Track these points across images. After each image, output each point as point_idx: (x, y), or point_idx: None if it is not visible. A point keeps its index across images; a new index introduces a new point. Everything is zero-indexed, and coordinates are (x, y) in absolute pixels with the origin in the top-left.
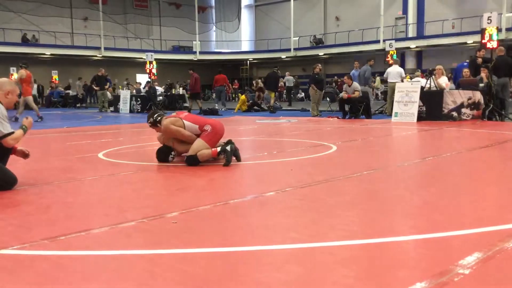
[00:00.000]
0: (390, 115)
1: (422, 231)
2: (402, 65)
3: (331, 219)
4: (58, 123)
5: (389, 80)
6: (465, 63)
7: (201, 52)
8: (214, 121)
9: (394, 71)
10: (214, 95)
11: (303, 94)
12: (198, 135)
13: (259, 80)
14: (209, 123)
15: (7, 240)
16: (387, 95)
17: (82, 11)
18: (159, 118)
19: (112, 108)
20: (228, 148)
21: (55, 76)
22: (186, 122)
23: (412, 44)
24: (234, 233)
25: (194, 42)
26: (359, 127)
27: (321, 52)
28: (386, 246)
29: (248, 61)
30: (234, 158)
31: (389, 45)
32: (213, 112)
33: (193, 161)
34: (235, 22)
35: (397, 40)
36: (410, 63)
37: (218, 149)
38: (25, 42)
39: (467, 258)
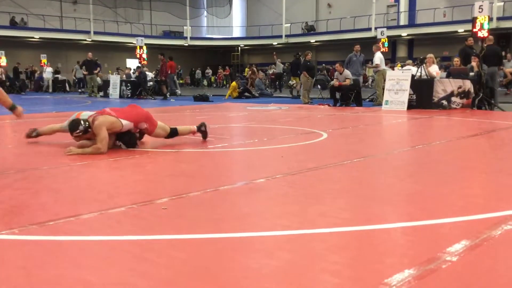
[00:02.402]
0: (380, 103)
1: (411, 218)
2: (393, 53)
3: (321, 206)
4: (47, 107)
5: (382, 67)
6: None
7: (192, 38)
8: (146, 115)
9: (382, 57)
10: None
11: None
12: (112, 137)
13: (254, 67)
14: (143, 121)
15: None
16: (377, 83)
17: None
18: (87, 123)
19: (101, 93)
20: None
21: (44, 60)
22: (123, 122)
23: (404, 32)
24: (224, 220)
25: (185, 27)
26: (350, 115)
27: (312, 39)
28: (375, 233)
29: (239, 47)
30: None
31: (381, 33)
32: (204, 99)
33: (175, 135)
34: (226, 8)
35: (388, 28)
36: (402, 51)
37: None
38: (13, 25)
39: (455, 245)
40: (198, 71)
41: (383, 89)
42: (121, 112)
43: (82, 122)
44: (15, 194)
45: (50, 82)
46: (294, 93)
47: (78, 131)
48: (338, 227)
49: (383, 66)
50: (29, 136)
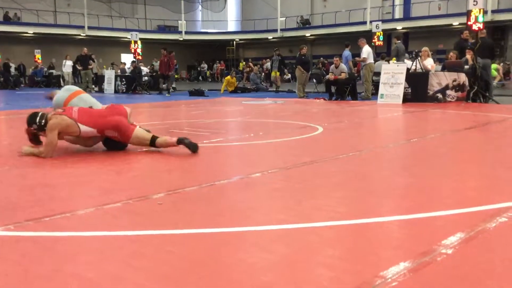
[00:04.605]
0: (369, 97)
1: (406, 211)
2: (388, 46)
3: (317, 200)
4: (41, 103)
5: (369, 61)
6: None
7: (186, 32)
8: (115, 123)
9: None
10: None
11: (289, 76)
12: (96, 137)
13: (250, 63)
14: (111, 128)
15: None
16: (366, 76)
17: None
18: (43, 121)
19: (96, 88)
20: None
21: (38, 55)
22: (82, 127)
23: (399, 26)
24: (220, 214)
25: (179, 21)
26: (346, 109)
27: (308, 33)
28: (371, 226)
29: (234, 42)
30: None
31: (376, 26)
32: (200, 93)
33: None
34: (221, 2)
35: (383, 21)
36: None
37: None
38: (7, 20)
39: (450, 238)
40: (203, 65)
41: (373, 83)
42: (88, 116)
43: (39, 118)
44: (10, 191)
45: (70, 76)
46: (274, 87)
47: (32, 127)
48: (333, 220)
49: (370, 60)
50: None
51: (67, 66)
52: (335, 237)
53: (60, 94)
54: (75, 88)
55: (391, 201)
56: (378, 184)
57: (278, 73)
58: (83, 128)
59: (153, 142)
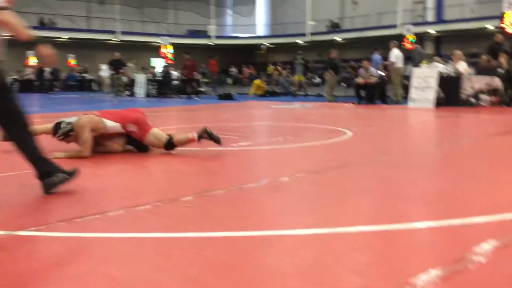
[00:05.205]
0: (399, 101)
1: (437, 217)
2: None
3: (345, 205)
4: (75, 106)
5: (399, 65)
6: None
7: (216, 37)
8: (135, 117)
9: (401, 55)
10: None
11: (318, 80)
12: (121, 134)
13: (279, 67)
14: (131, 122)
15: (24, 221)
16: (394, 80)
17: None
18: (69, 126)
19: (128, 93)
20: (206, 131)
21: (73, 60)
22: (108, 123)
23: (431, 29)
24: (247, 218)
25: (209, 26)
26: (375, 113)
27: (337, 37)
28: (400, 232)
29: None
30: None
31: (407, 29)
32: (228, 97)
33: (172, 146)
34: (250, 6)
35: (415, 24)
36: (429, 48)
37: (195, 135)
38: (42, 26)
39: (483, 245)
40: (232, 69)
41: (404, 86)
42: (109, 114)
43: (63, 124)
44: (41, 192)
45: (108, 80)
46: (303, 91)
47: (58, 134)
48: (362, 225)
49: (399, 64)
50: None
51: (104, 70)
52: (364, 243)
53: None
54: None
55: (421, 207)
56: (408, 189)
57: (303, 77)
58: (109, 123)
59: (170, 143)
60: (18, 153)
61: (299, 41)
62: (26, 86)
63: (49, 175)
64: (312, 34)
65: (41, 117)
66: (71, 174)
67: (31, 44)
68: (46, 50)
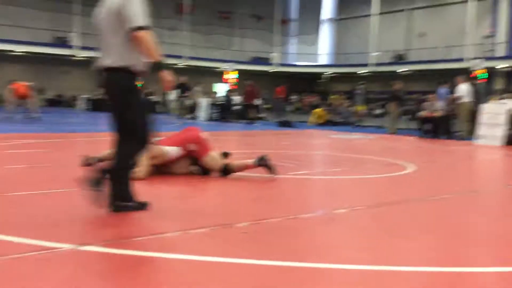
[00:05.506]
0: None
1: (504, 263)
2: (490, 85)
3: (405, 243)
4: None
5: (466, 100)
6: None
7: (278, 64)
8: (196, 137)
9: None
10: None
11: (380, 110)
12: (184, 156)
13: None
14: (191, 142)
15: (84, 237)
16: (461, 115)
17: (168, 21)
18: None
19: (191, 115)
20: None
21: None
22: (166, 148)
23: (501, 64)
24: (302, 248)
25: (271, 54)
26: (439, 148)
27: (401, 69)
28: (463, 276)
29: (325, 75)
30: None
31: (477, 64)
32: (288, 124)
33: (229, 171)
34: (314, 35)
35: (485, 59)
36: (499, 83)
37: (253, 161)
38: None
39: None
40: (293, 96)
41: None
42: (167, 139)
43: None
44: (100, 209)
45: (173, 104)
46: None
47: None
48: (422, 266)
49: (467, 99)
50: (87, 164)
51: (171, 93)
52: (424, 284)
53: None
54: None
55: (488, 250)
56: (473, 230)
57: (364, 107)
58: (167, 149)
59: (228, 168)
60: (109, 164)
61: (362, 71)
62: (98, 105)
63: (124, 199)
64: (376, 64)
65: (100, 135)
66: (143, 206)
67: (156, 67)
68: (169, 76)
